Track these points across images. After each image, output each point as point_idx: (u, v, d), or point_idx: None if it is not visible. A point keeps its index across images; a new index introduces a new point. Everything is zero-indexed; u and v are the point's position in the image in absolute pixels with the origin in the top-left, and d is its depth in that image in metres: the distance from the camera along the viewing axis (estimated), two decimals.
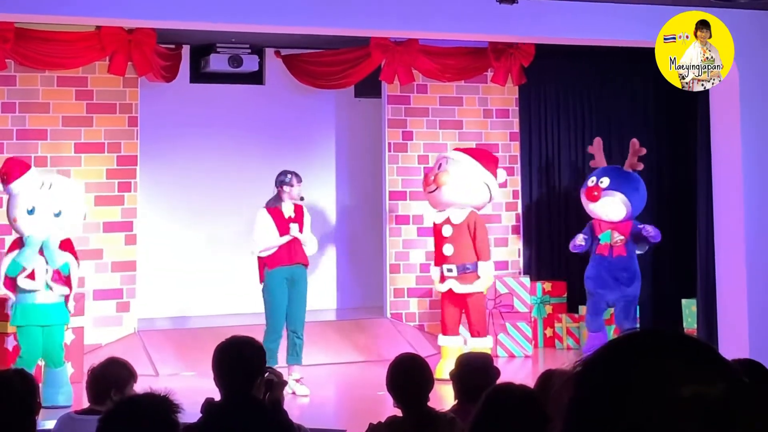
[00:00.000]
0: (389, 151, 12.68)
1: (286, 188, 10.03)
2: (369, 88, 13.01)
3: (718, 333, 11.09)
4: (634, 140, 12.09)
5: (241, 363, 4.63)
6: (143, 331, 11.57)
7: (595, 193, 11.78)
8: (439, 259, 10.81)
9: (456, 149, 11.44)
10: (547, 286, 12.75)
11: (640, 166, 12.04)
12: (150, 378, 9.96)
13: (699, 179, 12.21)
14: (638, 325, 11.97)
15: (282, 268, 9.98)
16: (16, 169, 9.59)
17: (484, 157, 11.16)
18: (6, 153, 10.91)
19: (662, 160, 13.41)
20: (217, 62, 12.49)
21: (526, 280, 12.32)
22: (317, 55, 12.87)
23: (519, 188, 13.16)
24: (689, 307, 12.38)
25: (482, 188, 10.95)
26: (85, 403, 5.39)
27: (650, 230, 11.74)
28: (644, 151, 12.02)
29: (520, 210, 13.18)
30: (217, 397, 4.62)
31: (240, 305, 12.29)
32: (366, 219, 13.40)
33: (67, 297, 9.61)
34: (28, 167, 9.74)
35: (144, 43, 11.36)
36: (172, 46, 12.25)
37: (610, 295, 11.63)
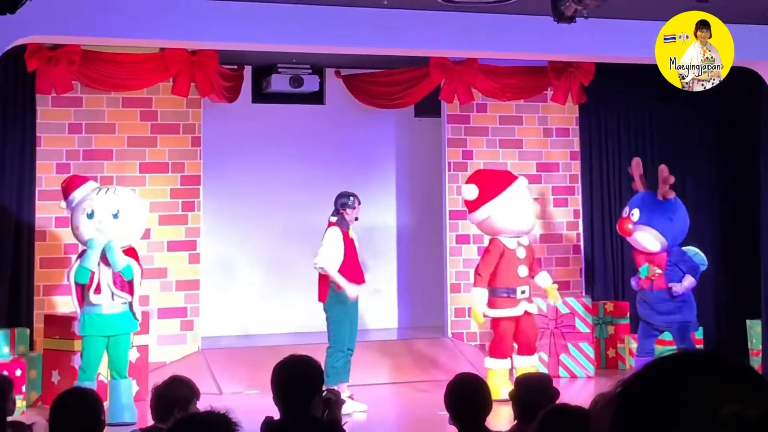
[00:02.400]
0: (449, 170, 12.70)
1: (349, 210, 10.09)
2: (429, 107, 13.06)
3: None
4: (662, 167, 11.46)
5: (300, 381, 4.66)
6: (207, 349, 11.68)
7: (629, 227, 11.24)
8: (512, 281, 10.73)
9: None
10: (610, 306, 12.67)
11: (672, 195, 11.41)
12: (213, 396, 10.05)
13: (763, 199, 12.10)
14: (701, 347, 11.86)
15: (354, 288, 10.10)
16: (75, 182, 9.80)
17: None
18: (73, 173, 11.08)
19: (725, 180, 13.28)
20: (279, 82, 12.61)
21: (587, 300, 12.25)
22: (377, 75, 12.95)
23: (579, 208, 13.10)
24: (754, 328, 12.24)
25: None
26: (150, 421, 5.46)
27: (679, 289, 11.08)
28: (672, 180, 11.32)
29: (580, 229, 13.12)
30: (277, 415, 4.66)
31: (302, 324, 12.35)
32: (426, 238, 13.41)
33: (131, 304, 9.71)
34: (87, 180, 9.94)
35: (207, 64, 11.49)
36: (234, 67, 12.38)
37: (659, 322, 11.33)
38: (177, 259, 11.66)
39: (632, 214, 11.32)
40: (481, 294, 10.68)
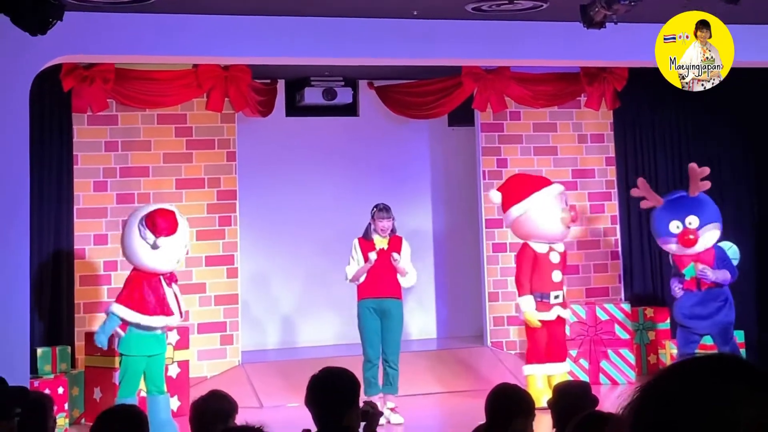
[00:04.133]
0: (484, 178, 12.69)
1: (371, 221, 10.20)
2: (462, 116, 13.07)
3: None
4: (692, 165, 11.40)
5: (334, 394, 4.65)
6: (247, 363, 11.73)
7: (691, 237, 11.04)
8: (546, 286, 10.75)
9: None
10: (650, 312, 12.60)
11: (707, 185, 11.34)
12: (254, 410, 10.09)
13: None
14: (743, 350, 11.78)
15: (368, 300, 10.16)
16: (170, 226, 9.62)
17: None
18: (110, 191, 11.23)
19: (763, 180, 13.18)
20: (312, 95, 12.68)
21: (627, 306, 12.20)
22: (410, 86, 12.97)
23: (617, 213, 13.05)
24: None
25: None
26: None
27: (711, 275, 10.99)
28: (707, 170, 11.28)
29: (618, 235, 13.07)
30: (315, 428, 4.67)
31: (343, 335, 12.39)
32: (463, 247, 13.41)
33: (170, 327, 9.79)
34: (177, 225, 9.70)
35: (240, 79, 11.55)
36: (267, 81, 12.45)
37: (702, 327, 11.22)
38: (215, 274, 11.73)
39: (689, 224, 11.13)
40: (529, 301, 10.70)
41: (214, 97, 11.59)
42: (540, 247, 10.78)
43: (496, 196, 11.00)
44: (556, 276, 10.77)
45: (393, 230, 10.31)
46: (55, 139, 11.19)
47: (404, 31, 10.06)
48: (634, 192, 11.58)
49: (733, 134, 13.25)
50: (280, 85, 12.78)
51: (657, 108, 13.14)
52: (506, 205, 10.88)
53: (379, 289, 10.19)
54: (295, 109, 13.00)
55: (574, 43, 10.05)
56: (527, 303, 10.70)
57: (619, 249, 13.09)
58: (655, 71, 12.04)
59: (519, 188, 10.92)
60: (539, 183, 11.04)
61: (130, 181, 11.47)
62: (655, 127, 13.20)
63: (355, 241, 10.32)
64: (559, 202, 10.88)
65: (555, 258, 10.78)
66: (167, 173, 11.63)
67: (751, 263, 12.93)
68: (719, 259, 11.15)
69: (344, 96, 12.86)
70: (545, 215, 10.75)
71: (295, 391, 10.51)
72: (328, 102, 12.74)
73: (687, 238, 11.00)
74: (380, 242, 10.25)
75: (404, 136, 13.60)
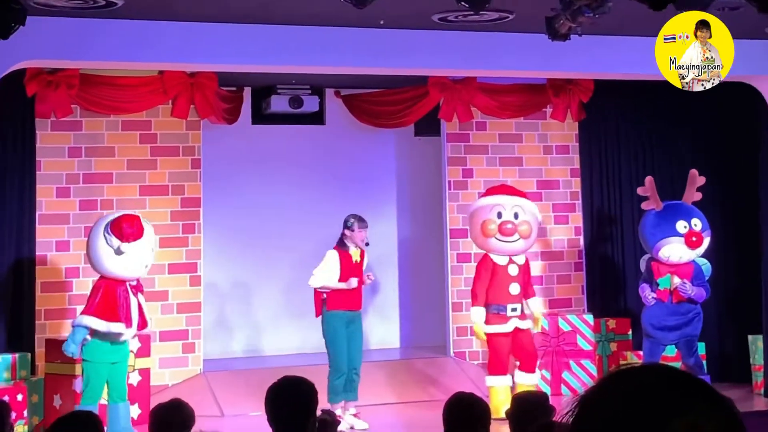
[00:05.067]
0: (449, 188, 12.71)
1: (348, 232, 10.17)
2: (428, 126, 13.07)
3: None
4: (693, 171, 11.66)
5: (292, 403, 4.63)
6: (209, 371, 11.69)
7: (695, 239, 11.24)
8: (503, 298, 10.74)
9: (518, 194, 11.24)
10: (612, 323, 12.62)
11: (699, 196, 11.64)
12: (215, 419, 10.04)
13: (762, 213, 12.11)
14: (704, 362, 11.85)
15: (341, 312, 10.18)
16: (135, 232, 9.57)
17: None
18: (73, 197, 11.15)
19: (724, 195, 13.26)
20: (278, 103, 12.65)
21: (589, 317, 12.23)
22: (376, 95, 12.97)
23: (581, 224, 13.09)
24: (756, 343, 12.23)
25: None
26: None
27: (690, 291, 11.14)
28: (704, 180, 11.58)
29: (582, 247, 13.10)
30: None
31: (306, 344, 12.36)
32: (427, 257, 13.41)
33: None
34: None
35: (206, 86, 11.53)
36: (234, 89, 12.41)
37: (669, 337, 11.31)
38: (178, 282, 11.68)
39: (695, 225, 11.35)
40: (479, 312, 10.72)
41: (180, 103, 11.54)
42: (500, 259, 10.80)
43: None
44: (514, 288, 10.77)
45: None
46: (18, 144, 11.11)
47: (371, 40, 10.06)
48: (640, 190, 11.61)
49: (695, 148, 13.30)
50: (247, 92, 12.75)
51: (622, 120, 13.20)
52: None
53: (353, 303, 10.28)
54: (261, 117, 12.96)
55: (539, 54, 10.08)
56: (477, 314, 10.76)
57: (583, 260, 13.12)
58: (621, 83, 12.18)
59: (492, 190, 11.26)
60: (504, 190, 11.19)
61: (93, 188, 11.40)
62: (620, 139, 13.25)
63: (334, 253, 10.27)
64: (491, 213, 10.90)
65: (513, 270, 10.80)
66: (131, 180, 11.57)
67: (713, 275, 12.99)
68: (697, 275, 11.27)
69: (311, 104, 12.83)
70: (475, 224, 10.99)
71: (257, 399, 10.46)
72: (294, 110, 12.71)
73: (692, 240, 11.20)
74: (355, 254, 10.26)
75: (370, 145, 13.60)
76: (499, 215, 10.87)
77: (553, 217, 13.01)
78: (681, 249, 11.24)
